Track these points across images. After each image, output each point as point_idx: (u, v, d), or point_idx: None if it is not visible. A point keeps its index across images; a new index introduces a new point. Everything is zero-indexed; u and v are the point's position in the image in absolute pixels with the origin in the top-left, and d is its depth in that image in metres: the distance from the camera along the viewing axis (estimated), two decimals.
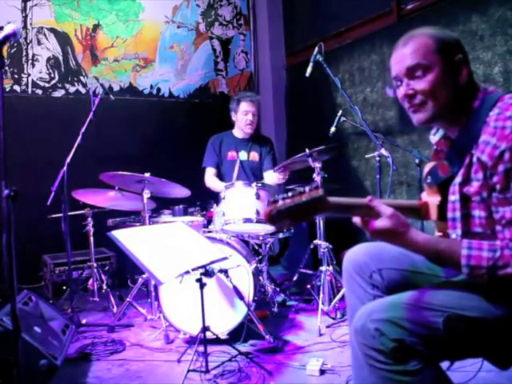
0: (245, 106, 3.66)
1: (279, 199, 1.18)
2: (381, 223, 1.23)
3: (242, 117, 3.68)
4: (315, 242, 3.20)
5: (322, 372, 2.26)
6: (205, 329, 2.29)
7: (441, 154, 1.48)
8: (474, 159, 1.23)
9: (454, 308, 1.22)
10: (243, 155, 3.77)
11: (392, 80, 1.40)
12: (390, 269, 1.50)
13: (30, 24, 4.27)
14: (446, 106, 1.32)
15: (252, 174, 3.73)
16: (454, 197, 1.29)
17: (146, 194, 3.03)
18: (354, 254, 1.58)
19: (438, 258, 1.26)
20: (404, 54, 1.34)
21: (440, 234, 1.40)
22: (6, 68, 4.14)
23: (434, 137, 1.52)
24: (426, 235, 1.25)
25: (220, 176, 3.81)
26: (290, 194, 1.18)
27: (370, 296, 1.47)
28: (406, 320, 1.21)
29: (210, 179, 3.73)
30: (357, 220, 1.30)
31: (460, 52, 1.33)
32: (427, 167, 1.47)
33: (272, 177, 3.55)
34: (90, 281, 3.65)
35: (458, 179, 1.28)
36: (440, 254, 1.24)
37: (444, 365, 1.30)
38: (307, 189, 1.18)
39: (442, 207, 1.35)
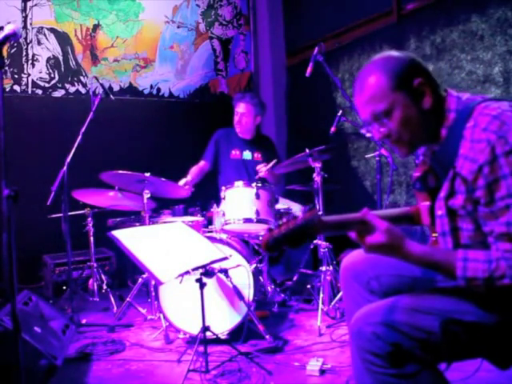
0: (236, 107, 3.73)
1: (275, 227, 1.19)
2: (375, 238, 1.23)
3: (235, 116, 3.74)
4: (315, 242, 3.20)
5: (322, 372, 2.26)
6: (205, 329, 2.29)
7: (427, 159, 1.47)
8: (457, 173, 1.22)
9: (450, 312, 1.22)
10: (247, 155, 3.77)
11: (363, 123, 1.39)
12: (387, 275, 1.50)
13: (30, 24, 4.26)
14: (421, 132, 1.31)
15: (255, 173, 3.73)
16: (440, 212, 1.29)
17: (146, 194, 3.03)
18: (351, 260, 1.58)
19: (433, 269, 1.26)
20: (363, 102, 1.32)
21: (434, 238, 1.39)
22: (6, 68, 4.13)
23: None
24: (421, 247, 1.25)
25: (220, 173, 3.82)
26: (284, 220, 1.19)
27: (368, 302, 1.46)
28: (402, 323, 1.21)
29: (192, 169, 3.75)
30: (352, 235, 1.28)
31: (418, 74, 1.28)
32: (416, 172, 1.46)
33: (260, 166, 3.56)
34: (90, 281, 3.65)
35: (443, 193, 1.27)
36: (436, 266, 1.23)
37: (441, 366, 1.30)
38: (301, 213, 1.19)
39: (433, 212, 1.34)
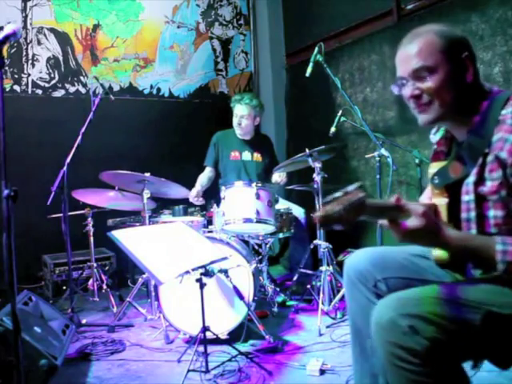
0: (235, 109, 3.71)
1: (329, 201, 1.11)
2: (413, 223, 1.15)
3: (234, 118, 3.72)
4: (315, 241, 3.20)
5: (322, 372, 2.26)
6: (205, 329, 2.29)
7: (441, 154, 1.45)
8: (489, 158, 1.21)
9: (490, 305, 1.17)
10: (247, 155, 3.77)
11: (397, 79, 1.37)
12: (395, 278, 1.46)
13: (30, 24, 4.26)
14: (453, 105, 1.30)
15: (255, 174, 3.73)
16: (467, 197, 1.26)
17: (146, 194, 3.03)
18: (356, 261, 1.52)
19: (470, 255, 1.21)
20: (409, 55, 1.31)
21: None
22: (6, 68, 4.13)
23: (435, 136, 1.49)
24: (458, 232, 1.21)
25: (220, 175, 3.82)
26: (338, 195, 1.11)
27: (374, 305, 1.39)
28: (441, 316, 1.14)
29: (199, 177, 3.76)
30: (384, 222, 1.19)
31: (467, 50, 1.31)
32: (433, 167, 1.43)
33: (274, 176, 3.58)
34: (90, 281, 3.65)
35: (472, 178, 1.25)
36: (474, 251, 1.18)
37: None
38: (351, 188, 1.11)
39: (451, 208, 1.32)
